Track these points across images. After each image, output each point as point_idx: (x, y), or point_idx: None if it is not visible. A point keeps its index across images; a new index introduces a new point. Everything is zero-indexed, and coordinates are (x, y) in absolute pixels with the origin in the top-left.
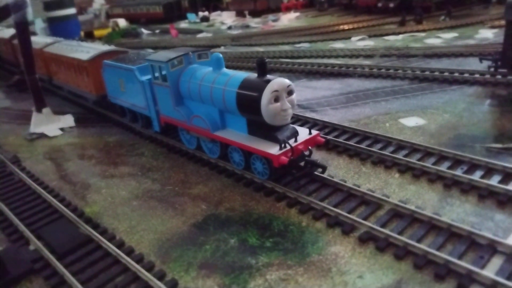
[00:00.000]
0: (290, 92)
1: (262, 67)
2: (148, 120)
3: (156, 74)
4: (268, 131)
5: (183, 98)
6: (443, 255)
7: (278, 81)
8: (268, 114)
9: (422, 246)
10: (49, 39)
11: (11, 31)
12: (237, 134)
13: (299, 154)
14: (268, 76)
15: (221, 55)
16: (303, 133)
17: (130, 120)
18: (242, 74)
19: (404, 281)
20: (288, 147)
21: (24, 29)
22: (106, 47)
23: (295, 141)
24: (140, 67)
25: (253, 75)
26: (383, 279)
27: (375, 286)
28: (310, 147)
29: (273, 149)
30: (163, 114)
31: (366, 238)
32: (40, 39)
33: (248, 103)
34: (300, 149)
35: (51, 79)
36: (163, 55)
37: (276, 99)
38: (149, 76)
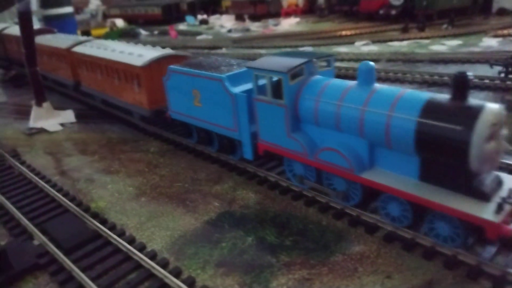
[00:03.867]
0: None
1: (463, 86)
2: (232, 144)
3: (263, 87)
4: (465, 180)
5: (301, 122)
6: (474, 255)
7: (494, 109)
8: (479, 158)
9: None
10: (77, 37)
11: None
12: (399, 179)
13: None
14: (472, 101)
15: (373, 64)
16: (510, 182)
17: (199, 141)
18: (418, 94)
19: (435, 282)
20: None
21: (27, 19)
22: (164, 50)
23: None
24: (231, 76)
25: (441, 96)
26: (413, 280)
27: (405, 287)
28: None
29: (484, 211)
30: (264, 140)
31: (392, 238)
32: (64, 37)
33: (442, 140)
34: None
35: (79, 85)
36: (276, 61)
37: (492, 137)
38: (243, 88)
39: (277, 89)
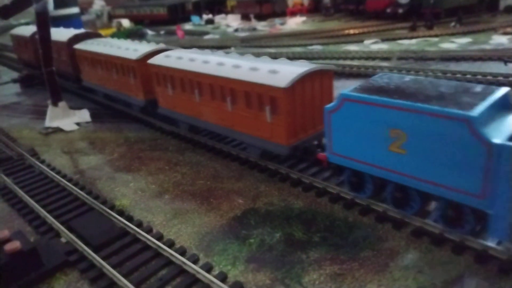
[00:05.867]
0: None
1: None
2: (458, 212)
3: None
4: None
5: None
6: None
7: None
8: None
9: (481, 241)
10: (148, 46)
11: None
12: None
13: None
14: None
15: None
16: None
17: (376, 198)
18: None
19: (467, 276)
20: None
21: (44, 20)
22: (303, 64)
23: None
24: (483, 115)
25: None
26: (444, 274)
27: (437, 281)
28: None
29: None
30: None
31: (420, 233)
32: (127, 44)
33: None
34: None
35: (154, 106)
36: None
37: None
38: (503, 134)
39: None
